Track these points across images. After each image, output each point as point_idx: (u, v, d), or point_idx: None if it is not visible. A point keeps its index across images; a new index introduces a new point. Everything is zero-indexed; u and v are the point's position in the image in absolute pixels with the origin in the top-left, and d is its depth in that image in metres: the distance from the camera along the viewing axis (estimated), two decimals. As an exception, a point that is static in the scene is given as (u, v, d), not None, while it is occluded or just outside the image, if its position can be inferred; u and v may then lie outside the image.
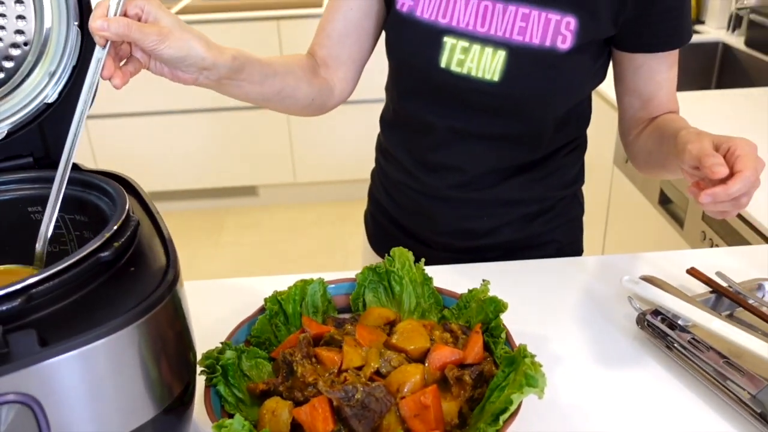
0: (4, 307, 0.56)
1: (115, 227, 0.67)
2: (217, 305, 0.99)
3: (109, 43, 0.77)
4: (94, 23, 0.75)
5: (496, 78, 0.99)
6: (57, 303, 0.59)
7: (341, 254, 3.23)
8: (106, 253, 0.64)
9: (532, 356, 0.70)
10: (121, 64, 0.81)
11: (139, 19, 0.79)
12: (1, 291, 0.56)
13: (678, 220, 1.72)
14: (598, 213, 2.25)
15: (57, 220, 0.83)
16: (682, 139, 0.87)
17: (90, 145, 3.36)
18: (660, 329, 0.89)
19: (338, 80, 1.11)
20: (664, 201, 1.81)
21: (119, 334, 0.58)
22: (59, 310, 0.59)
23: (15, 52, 0.81)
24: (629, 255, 1.14)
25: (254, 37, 3.24)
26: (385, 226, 1.24)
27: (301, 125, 3.43)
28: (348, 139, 3.44)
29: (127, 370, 0.60)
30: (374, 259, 1.27)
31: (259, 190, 3.73)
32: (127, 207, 0.71)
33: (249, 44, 3.24)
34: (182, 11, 3.39)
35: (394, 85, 1.14)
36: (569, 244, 1.22)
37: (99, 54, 0.77)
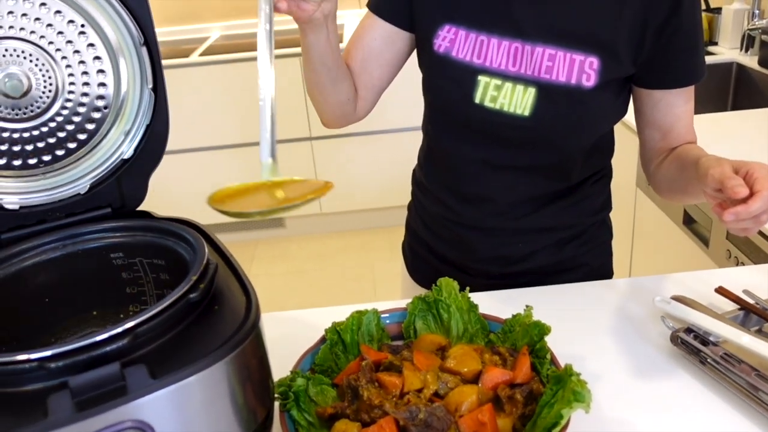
0: (116, 345, 0.64)
1: (200, 270, 0.75)
2: (276, 336, 1.07)
3: None
4: None
5: (527, 113, 1.07)
6: (157, 340, 0.68)
7: (369, 279, 3.32)
8: (194, 294, 0.72)
9: (578, 374, 0.77)
10: None
11: None
12: (112, 331, 0.64)
13: (703, 240, 1.78)
14: (623, 235, 2.31)
15: (136, 264, 0.92)
16: (703, 165, 0.95)
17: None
18: (693, 346, 0.95)
19: (359, 98, 1.22)
20: (689, 221, 1.87)
21: (215, 367, 0.66)
22: (160, 346, 0.67)
23: (96, 114, 0.90)
24: (658, 276, 1.21)
25: (278, 74, 3.33)
26: (424, 255, 1.32)
27: (325, 157, 3.53)
28: (370, 170, 3.53)
29: (220, 398, 0.68)
30: (414, 288, 1.35)
31: (286, 222, 3.82)
32: (206, 251, 0.79)
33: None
34: (207, 51, 3.51)
35: (430, 122, 1.23)
36: (599, 267, 1.29)
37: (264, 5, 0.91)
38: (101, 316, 0.92)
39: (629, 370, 0.98)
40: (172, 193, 3.52)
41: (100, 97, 0.89)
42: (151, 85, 0.91)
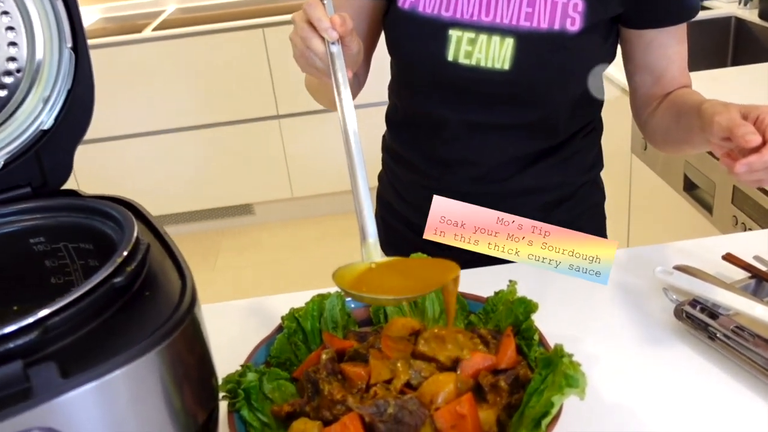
0: (21, 341, 0.57)
1: (126, 252, 0.68)
2: (230, 327, 1.01)
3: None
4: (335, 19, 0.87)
5: (506, 66, 1.02)
6: (74, 333, 0.61)
7: (348, 270, 3.25)
8: (119, 279, 0.65)
9: (570, 355, 0.72)
10: None
11: None
12: (18, 324, 0.58)
13: (706, 206, 1.74)
14: (619, 205, 2.27)
15: (60, 250, 0.85)
16: (707, 111, 0.90)
17: (73, 174, 3.38)
18: (700, 320, 0.90)
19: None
20: (690, 187, 1.83)
21: (141, 361, 0.59)
22: (77, 340, 0.61)
23: (7, 80, 0.83)
24: (658, 245, 1.16)
25: (240, 47, 3.26)
26: (399, 229, 1.26)
27: (294, 136, 3.45)
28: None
29: (150, 398, 0.61)
30: (389, 267, 1.29)
31: (254, 208, 3.75)
32: (135, 230, 0.73)
33: (235, 54, 3.27)
34: (161, 26, 3.42)
35: (400, 85, 1.17)
36: (592, 234, 1.24)
37: (334, 49, 0.89)
38: (23, 312, 0.85)
39: (628, 350, 0.92)
40: (131, 180, 3.44)
41: (11, 59, 0.83)
42: (70, 44, 0.84)
